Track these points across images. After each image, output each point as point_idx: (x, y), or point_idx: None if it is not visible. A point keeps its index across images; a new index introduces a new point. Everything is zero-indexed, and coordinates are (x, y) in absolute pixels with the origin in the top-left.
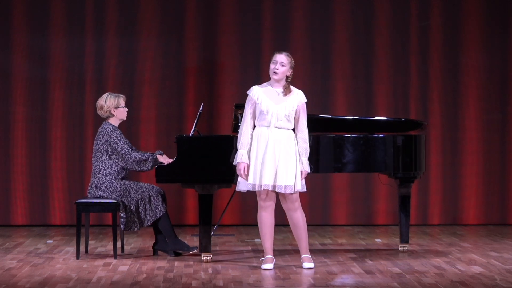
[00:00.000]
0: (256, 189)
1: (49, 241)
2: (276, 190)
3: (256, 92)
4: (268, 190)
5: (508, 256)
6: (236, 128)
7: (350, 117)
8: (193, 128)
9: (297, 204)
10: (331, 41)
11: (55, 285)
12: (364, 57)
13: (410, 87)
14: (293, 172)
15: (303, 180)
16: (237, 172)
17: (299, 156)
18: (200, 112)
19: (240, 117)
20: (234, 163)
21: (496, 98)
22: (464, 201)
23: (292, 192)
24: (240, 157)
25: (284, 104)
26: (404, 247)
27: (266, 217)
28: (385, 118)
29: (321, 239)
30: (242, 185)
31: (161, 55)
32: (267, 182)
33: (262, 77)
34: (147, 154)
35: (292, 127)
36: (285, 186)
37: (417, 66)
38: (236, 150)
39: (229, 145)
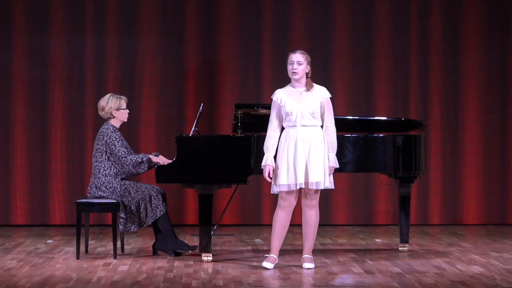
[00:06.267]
0: (292, 189)
1: (49, 241)
2: (309, 187)
3: (279, 95)
4: (296, 190)
5: (508, 256)
6: (236, 129)
7: (350, 117)
8: (193, 128)
9: (315, 202)
10: (331, 42)
11: (55, 285)
12: (364, 57)
13: (410, 88)
14: (322, 168)
15: (331, 177)
16: (263, 174)
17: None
18: (200, 112)
19: (239, 117)
20: (261, 167)
21: (496, 98)
22: (464, 202)
23: (322, 188)
24: (265, 160)
25: (307, 102)
26: (404, 247)
27: (282, 217)
28: (385, 118)
29: (321, 239)
30: (277, 187)
31: (161, 56)
32: (302, 181)
33: (262, 77)
34: (141, 155)
35: (320, 124)
36: (316, 183)
37: (417, 66)
38: (262, 152)
39: (229, 145)
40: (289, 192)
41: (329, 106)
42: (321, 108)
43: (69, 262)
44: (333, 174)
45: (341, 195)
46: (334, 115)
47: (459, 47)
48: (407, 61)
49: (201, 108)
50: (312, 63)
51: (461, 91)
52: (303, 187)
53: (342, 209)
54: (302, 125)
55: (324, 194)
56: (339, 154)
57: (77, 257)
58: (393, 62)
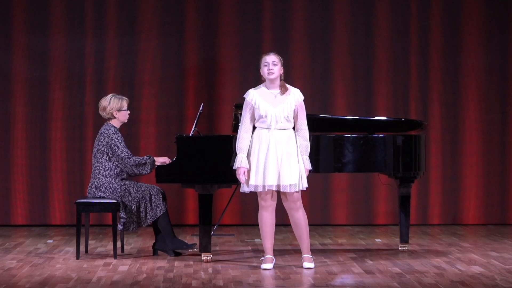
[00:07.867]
0: (260, 190)
1: (49, 241)
2: (281, 190)
3: (253, 96)
4: (271, 190)
5: (508, 256)
6: (236, 128)
7: (350, 117)
8: (193, 128)
9: (299, 203)
10: (331, 42)
11: (55, 285)
12: (364, 57)
13: (410, 88)
14: (296, 170)
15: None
16: (237, 176)
17: (301, 154)
18: (200, 112)
19: (240, 117)
20: (234, 168)
21: (496, 98)
22: (464, 202)
23: (297, 190)
24: (240, 162)
25: (282, 106)
26: (404, 247)
27: (267, 217)
28: (385, 118)
29: (321, 239)
30: (246, 186)
31: (161, 56)
32: (271, 182)
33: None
34: (145, 157)
35: (293, 126)
36: (290, 186)
37: (417, 66)
38: (235, 153)
39: (229, 145)
40: (265, 192)
41: (303, 108)
42: (294, 111)
43: (69, 262)
44: (333, 174)
45: (341, 195)
46: (334, 115)
47: (459, 47)
48: (407, 61)
49: (201, 108)
50: (312, 63)
51: (461, 91)
52: (273, 189)
53: (342, 209)
54: (276, 128)
55: (324, 194)
56: (339, 154)
57: (77, 257)
58: (393, 62)
